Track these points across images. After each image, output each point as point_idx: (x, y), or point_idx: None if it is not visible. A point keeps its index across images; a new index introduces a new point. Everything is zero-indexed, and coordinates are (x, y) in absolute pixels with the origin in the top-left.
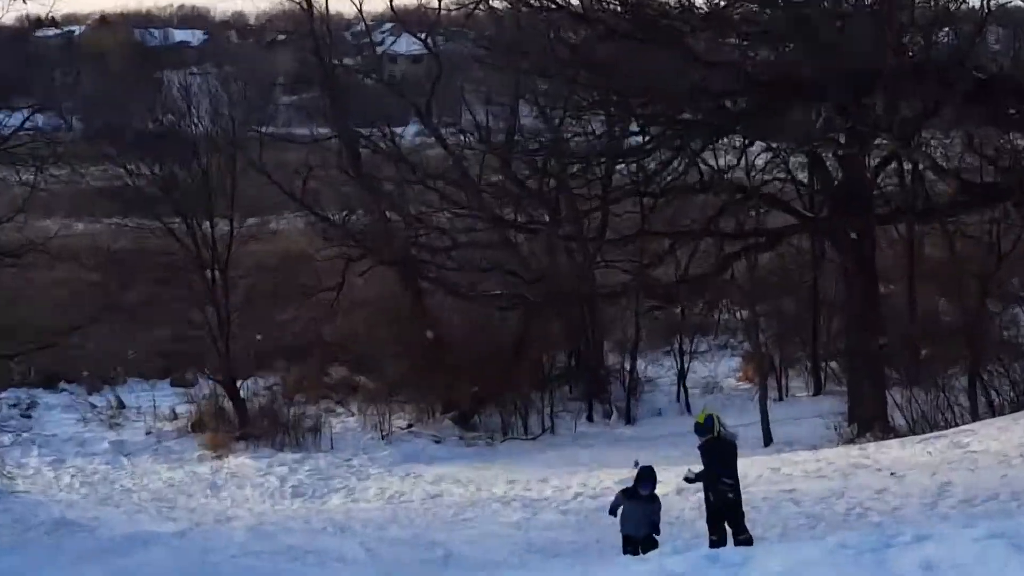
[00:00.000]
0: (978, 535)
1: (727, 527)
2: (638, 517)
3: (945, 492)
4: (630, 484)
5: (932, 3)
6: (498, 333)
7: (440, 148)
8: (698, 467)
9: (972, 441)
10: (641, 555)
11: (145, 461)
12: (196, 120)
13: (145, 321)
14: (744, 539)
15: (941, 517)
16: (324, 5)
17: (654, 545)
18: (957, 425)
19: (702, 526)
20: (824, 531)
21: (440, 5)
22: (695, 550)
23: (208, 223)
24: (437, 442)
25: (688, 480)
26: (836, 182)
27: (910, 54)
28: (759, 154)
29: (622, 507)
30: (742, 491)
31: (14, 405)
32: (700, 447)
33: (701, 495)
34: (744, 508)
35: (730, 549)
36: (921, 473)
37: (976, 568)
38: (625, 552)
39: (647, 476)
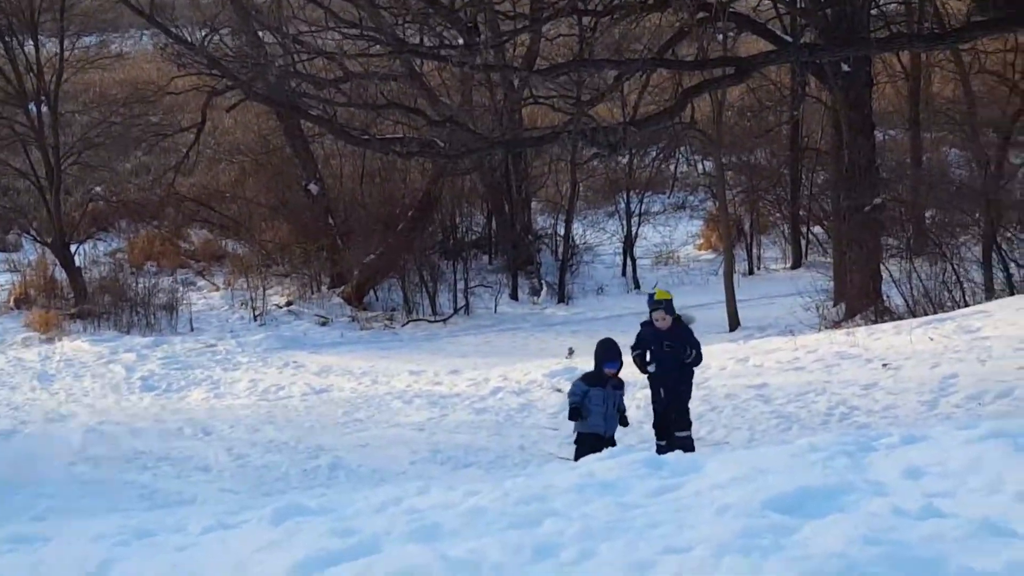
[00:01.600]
0: (975, 436)
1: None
2: (607, 408)
3: (949, 387)
4: (585, 371)
5: None
6: (399, 188)
7: None
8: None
9: (985, 325)
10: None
11: None
12: None
13: None
14: (685, 437)
15: (942, 417)
16: None
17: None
18: (967, 305)
19: (650, 431)
20: (798, 434)
21: None
22: (633, 454)
23: (32, 43)
24: (323, 324)
25: (640, 364)
26: None
27: None
28: None
29: (588, 400)
30: (695, 387)
31: None
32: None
33: (648, 392)
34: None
35: (676, 455)
36: (920, 364)
37: (970, 475)
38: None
39: (610, 349)
